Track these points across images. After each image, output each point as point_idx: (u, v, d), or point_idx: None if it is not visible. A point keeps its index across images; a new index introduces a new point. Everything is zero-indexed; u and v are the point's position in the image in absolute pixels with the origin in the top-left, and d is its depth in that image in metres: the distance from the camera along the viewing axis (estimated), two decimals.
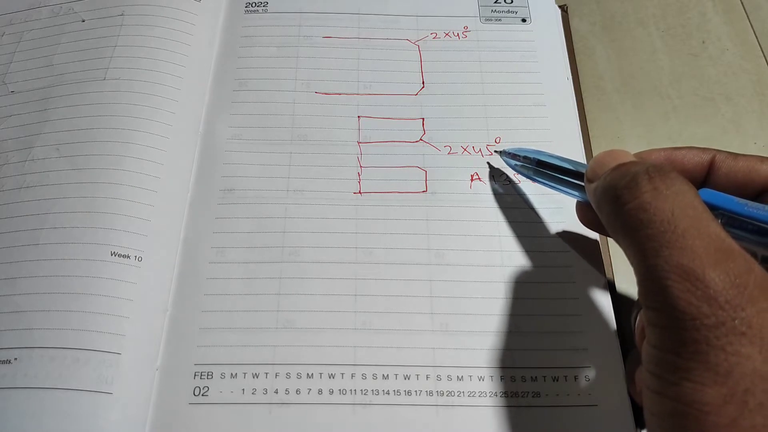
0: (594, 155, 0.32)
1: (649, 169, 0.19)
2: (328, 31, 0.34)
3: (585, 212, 0.26)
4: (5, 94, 0.32)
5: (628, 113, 0.34)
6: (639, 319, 0.22)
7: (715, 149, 0.23)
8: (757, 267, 0.17)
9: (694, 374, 0.16)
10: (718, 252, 0.17)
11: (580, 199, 0.26)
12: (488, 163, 0.30)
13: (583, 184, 0.24)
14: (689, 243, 0.17)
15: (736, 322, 0.16)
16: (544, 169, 0.26)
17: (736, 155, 0.23)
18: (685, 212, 0.18)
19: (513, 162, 0.29)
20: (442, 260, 0.28)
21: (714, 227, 0.18)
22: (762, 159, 0.22)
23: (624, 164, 0.21)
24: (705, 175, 0.23)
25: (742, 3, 0.38)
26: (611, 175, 0.20)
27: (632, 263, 0.19)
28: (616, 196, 0.20)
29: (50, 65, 0.32)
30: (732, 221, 0.20)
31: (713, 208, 0.19)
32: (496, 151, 0.30)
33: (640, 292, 0.18)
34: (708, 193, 0.20)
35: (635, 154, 0.23)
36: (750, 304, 0.16)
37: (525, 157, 0.27)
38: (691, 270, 0.17)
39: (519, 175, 0.30)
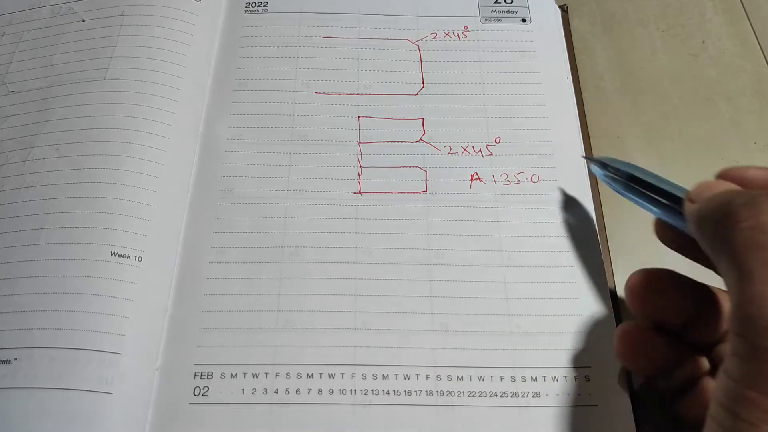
0: (594, 155, 0.32)
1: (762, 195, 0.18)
2: (328, 31, 0.34)
3: (664, 231, 0.24)
4: (5, 94, 0.32)
5: (628, 113, 0.34)
6: (631, 282, 0.23)
7: None
8: None
9: None
10: None
11: (662, 218, 0.25)
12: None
13: (672, 205, 0.23)
14: None
15: None
16: (635, 184, 0.25)
17: None
18: None
19: (601, 172, 0.27)
20: (442, 260, 0.28)
21: None
22: None
23: (738, 189, 0.20)
24: None
25: (742, 3, 0.38)
26: (724, 194, 0.19)
27: (730, 284, 0.18)
28: (729, 212, 0.18)
29: (50, 65, 0.32)
30: None
31: None
32: (584, 157, 0.29)
33: (733, 316, 0.17)
34: None
35: (729, 169, 0.22)
36: None
37: (616, 170, 0.26)
38: None
39: (518, 175, 0.30)
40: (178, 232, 0.28)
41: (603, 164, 0.27)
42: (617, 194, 0.26)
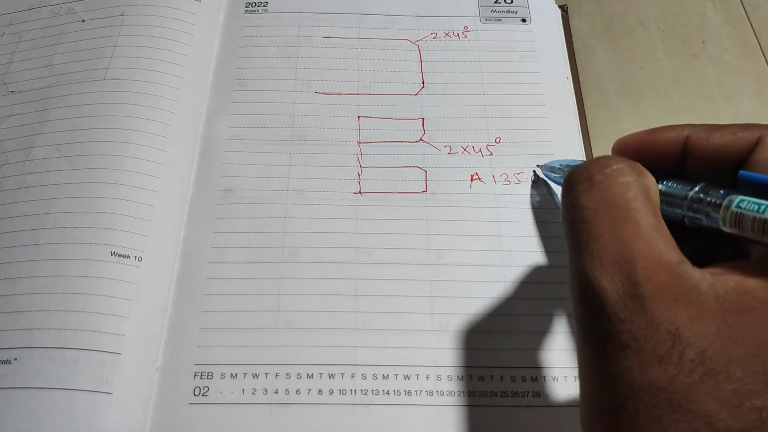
0: (594, 155, 0.32)
1: (592, 161, 0.19)
2: (328, 31, 0.34)
3: None
4: (5, 94, 0.32)
5: (628, 113, 0.34)
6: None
7: (690, 126, 0.20)
8: (673, 270, 0.16)
9: (587, 386, 0.17)
10: (623, 261, 0.16)
11: None
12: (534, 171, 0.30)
13: None
14: (596, 248, 0.17)
15: (622, 335, 0.16)
16: None
17: (712, 130, 0.20)
18: (608, 210, 0.17)
19: (553, 175, 0.28)
20: (442, 260, 0.28)
21: (643, 231, 0.17)
22: (738, 129, 0.19)
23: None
24: (683, 156, 0.20)
25: (742, 3, 0.38)
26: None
27: None
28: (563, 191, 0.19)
29: (50, 65, 0.32)
30: None
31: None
32: (538, 166, 0.30)
33: None
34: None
35: (618, 140, 0.23)
36: (639, 316, 0.15)
37: (567, 166, 0.27)
38: (588, 280, 0.17)
39: (518, 175, 0.30)
40: (178, 232, 0.28)
41: (551, 168, 0.27)
42: None
